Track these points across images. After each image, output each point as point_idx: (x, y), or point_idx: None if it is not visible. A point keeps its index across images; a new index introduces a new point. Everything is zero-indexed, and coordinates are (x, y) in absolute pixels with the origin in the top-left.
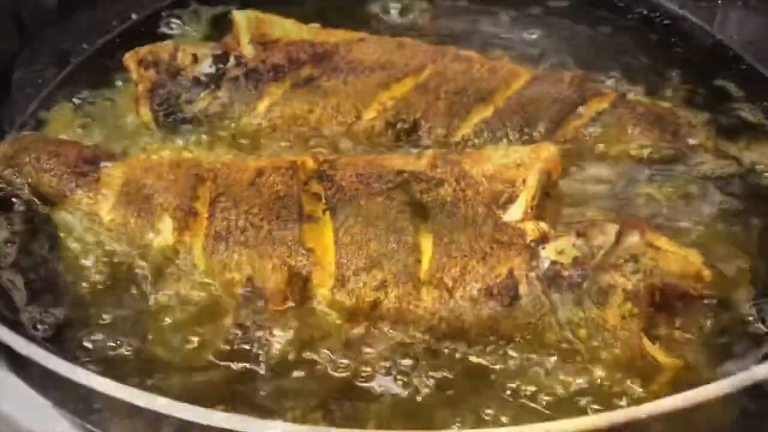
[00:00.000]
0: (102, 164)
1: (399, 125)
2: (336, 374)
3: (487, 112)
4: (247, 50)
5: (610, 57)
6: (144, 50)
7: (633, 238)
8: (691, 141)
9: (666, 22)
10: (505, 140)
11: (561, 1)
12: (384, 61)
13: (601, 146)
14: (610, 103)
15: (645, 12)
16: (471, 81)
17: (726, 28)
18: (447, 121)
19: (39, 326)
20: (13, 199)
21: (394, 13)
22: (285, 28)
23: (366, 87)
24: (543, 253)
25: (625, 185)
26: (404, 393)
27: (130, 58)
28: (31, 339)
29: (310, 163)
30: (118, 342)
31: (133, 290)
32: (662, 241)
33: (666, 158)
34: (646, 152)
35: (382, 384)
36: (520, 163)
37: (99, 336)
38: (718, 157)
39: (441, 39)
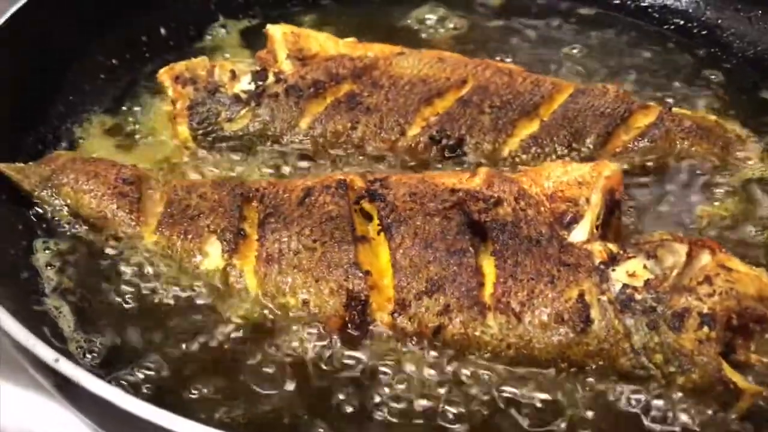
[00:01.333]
0: (142, 184)
1: (444, 141)
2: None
3: (533, 126)
4: (286, 66)
5: (650, 69)
6: (180, 66)
7: (704, 259)
8: (742, 154)
9: (704, 32)
10: (553, 155)
11: (590, 10)
12: (424, 75)
13: (650, 161)
14: (657, 116)
15: (682, 22)
16: (515, 95)
17: (766, 37)
18: (493, 137)
19: (88, 355)
20: (55, 220)
21: (428, 25)
22: (321, 42)
23: (408, 102)
24: (613, 275)
25: (680, 200)
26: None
27: (165, 75)
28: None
29: (359, 182)
30: (170, 370)
31: (186, 314)
32: (734, 262)
33: (718, 172)
34: (697, 167)
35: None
36: (582, 181)
37: (151, 364)
38: None
39: (476, 53)
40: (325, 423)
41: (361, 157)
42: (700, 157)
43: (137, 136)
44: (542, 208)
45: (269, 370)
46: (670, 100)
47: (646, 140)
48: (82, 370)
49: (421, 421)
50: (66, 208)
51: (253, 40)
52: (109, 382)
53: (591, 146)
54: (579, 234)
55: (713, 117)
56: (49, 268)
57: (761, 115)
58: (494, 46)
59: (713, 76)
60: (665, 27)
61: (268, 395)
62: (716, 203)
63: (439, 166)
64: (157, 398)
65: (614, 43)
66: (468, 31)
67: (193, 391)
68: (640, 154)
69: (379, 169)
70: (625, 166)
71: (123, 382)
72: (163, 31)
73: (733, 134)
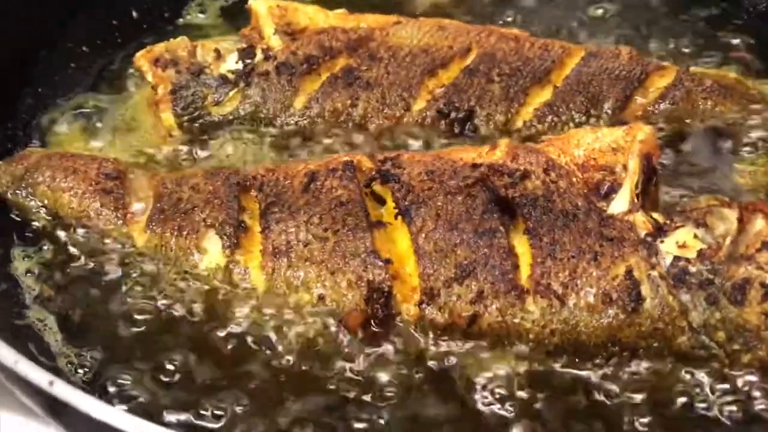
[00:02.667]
0: (127, 178)
1: (453, 114)
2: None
3: (546, 94)
4: (274, 42)
5: (655, 29)
6: (159, 48)
7: (758, 224)
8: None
9: None
10: (571, 124)
11: None
12: (425, 45)
13: (673, 124)
14: (674, 77)
15: None
16: (524, 61)
17: None
18: (505, 107)
19: (79, 370)
20: (33, 224)
21: None
22: (309, 15)
23: (410, 74)
24: (662, 247)
25: (712, 162)
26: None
27: (142, 58)
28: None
29: (367, 163)
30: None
31: (185, 319)
32: None
33: (745, 130)
34: (721, 125)
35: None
36: (616, 147)
37: (147, 376)
38: None
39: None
40: None
41: (364, 137)
42: (725, 117)
43: (116, 128)
44: (575, 179)
45: (280, 379)
46: (687, 60)
47: (666, 102)
48: (80, 393)
49: None
50: (43, 209)
51: (234, 18)
52: (107, 400)
53: (609, 111)
54: (619, 204)
55: (733, 74)
56: (28, 275)
57: None
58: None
59: (726, 34)
60: None
61: (282, 409)
62: (750, 162)
63: (449, 142)
64: (158, 414)
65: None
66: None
67: (203, 409)
68: (662, 117)
69: (387, 147)
70: None
71: (117, 398)
72: (135, 13)
73: (756, 91)
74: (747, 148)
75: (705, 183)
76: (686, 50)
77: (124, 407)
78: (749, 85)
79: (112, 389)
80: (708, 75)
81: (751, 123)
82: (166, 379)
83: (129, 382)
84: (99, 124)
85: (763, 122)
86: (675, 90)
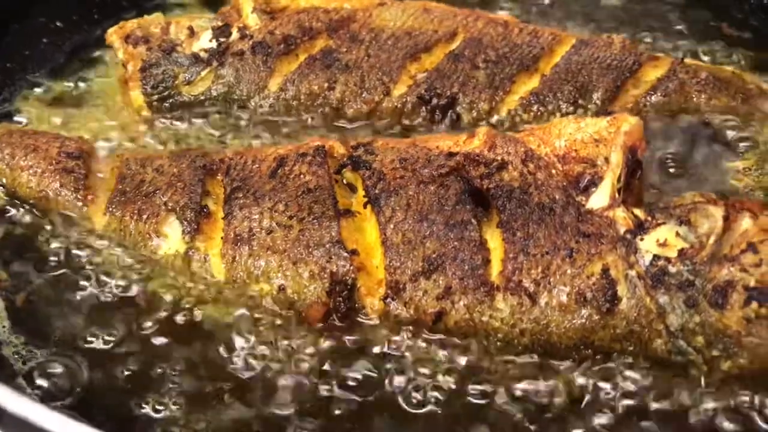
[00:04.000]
0: (90, 158)
1: (434, 101)
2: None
3: (533, 82)
4: (252, 20)
5: (652, 19)
6: (130, 25)
7: (745, 223)
8: (765, 106)
9: None
10: (557, 114)
11: None
12: (409, 28)
13: (663, 116)
14: (668, 68)
15: None
16: (511, 48)
17: None
18: (489, 95)
19: (26, 364)
20: None
21: None
22: None
23: (392, 58)
24: (642, 245)
25: (702, 157)
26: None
27: (114, 34)
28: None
29: (339, 148)
30: (123, 375)
31: (140, 307)
32: None
33: (740, 126)
34: (715, 120)
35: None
36: (599, 138)
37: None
38: None
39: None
40: None
41: (340, 122)
42: (719, 112)
43: (84, 106)
44: (554, 171)
45: (239, 373)
46: (680, 51)
47: (658, 94)
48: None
49: None
50: (1, 188)
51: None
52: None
53: (599, 102)
54: (598, 199)
55: (730, 68)
56: None
57: None
58: None
59: (726, 27)
60: None
61: (232, 405)
62: (741, 159)
63: (434, 130)
64: (108, 410)
65: None
66: None
67: (147, 401)
68: (653, 110)
69: (362, 134)
70: None
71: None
72: None
73: (754, 86)
74: (743, 145)
75: (694, 180)
76: (684, 42)
77: (58, 403)
78: (747, 79)
79: (48, 382)
80: (703, 67)
81: (745, 118)
82: (113, 372)
83: (66, 374)
84: (68, 102)
85: (755, 120)
86: (668, 81)
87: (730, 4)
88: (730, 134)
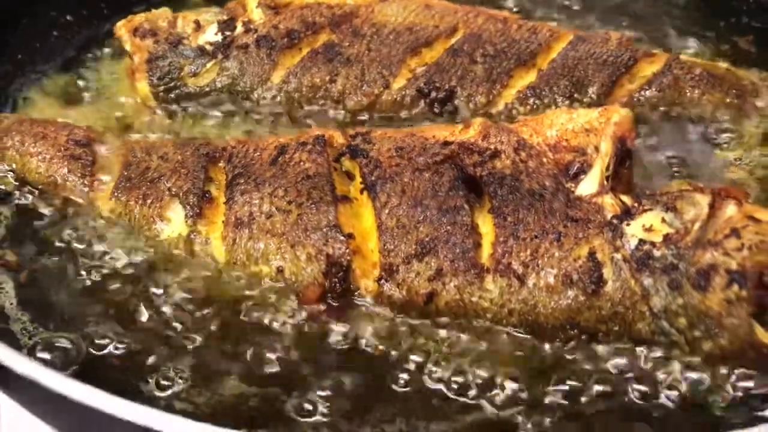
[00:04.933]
0: (97, 145)
1: (433, 94)
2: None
3: (531, 77)
4: (257, 15)
5: (649, 16)
6: (138, 18)
7: (729, 210)
8: (760, 102)
9: None
10: (553, 107)
11: None
12: (410, 23)
13: (659, 111)
14: (664, 64)
15: None
16: (509, 43)
17: None
18: (487, 88)
19: (31, 338)
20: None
21: None
22: None
23: (393, 52)
24: (628, 230)
25: (695, 151)
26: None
27: (122, 27)
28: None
29: (339, 138)
30: (125, 351)
31: (143, 288)
32: (763, 213)
33: (733, 122)
34: (709, 115)
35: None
36: (589, 128)
37: (102, 342)
38: None
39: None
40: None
41: (341, 114)
42: (713, 107)
43: (92, 97)
44: (545, 159)
45: (234, 349)
46: (677, 48)
47: (653, 89)
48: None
49: None
50: (11, 174)
51: None
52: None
53: (594, 96)
54: (587, 186)
55: (724, 64)
56: None
57: None
58: None
59: (721, 23)
60: None
61: (230, 380)
62: (732, 152)
63: (428, 123)
64: (111, 381)
65: None
66: None
67: (151, 375)
68: (648, 104)
69: (363, 124)
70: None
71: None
72: None
73: (748, 82)
74: (735, 141)
75: (686, 173)
76: (681, 38)
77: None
78: (740, 75)
79: (51, 355)
80: (698, 63)
81: (734, 115)
82: (117, 350)
83: (69, 350)
84: (76, 93)
85: (748, 116)
86: (663, 77)
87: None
88: (721, 127)
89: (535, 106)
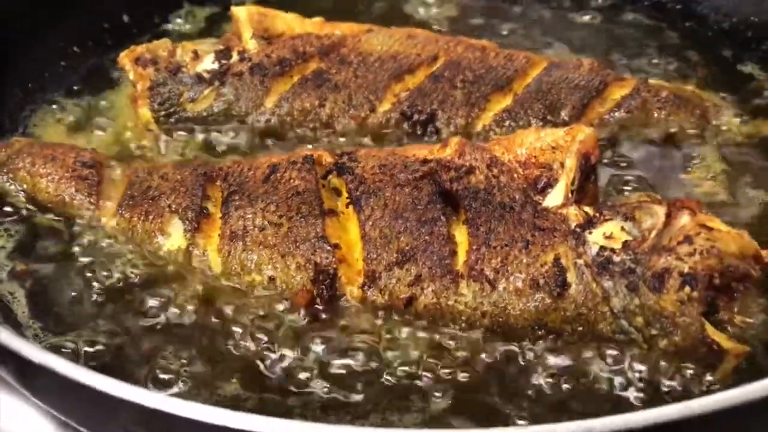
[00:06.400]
0: (102, 167)
1: (415, 117)
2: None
3: (507, 100)
4: (251, 45)
5: (625, 44)
6: (140, 48)
7: (684, 219)
8: (718, 122)
9: (679, 6)
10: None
11: None
12: (394, 52)
13: (627, 131)
14: (633, 88)
15: None
16: (487, 69)
17: (740, 9)
18: (466, 111)
19: (41, 343)
20: (11, 206)
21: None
22: (287, 22)
23: (378, 78)
24: (590, 238)
25: (658, 169)
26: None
27: (125, 57)
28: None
29: (327, 157)
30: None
31: (146, 296)
32: (715, 222)
33: (695, 140)
34: (673, 135)
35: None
36: (556, 146)
37: (106, 348)
38: (748, 136)
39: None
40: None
41: (329, 136)
42: (678, 127)
43: (98, 121)
44: (515, 175)
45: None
46: (646, 73)
47: (622, 111)
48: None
49: None
50: (22, 193)
51: (219, 27)
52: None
53: (567, 118)
54: (554, 198)
55: (690, 87)
56: (2, 251)
57: (738, 86)
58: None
59: (689, 49)
60: (638, 4)
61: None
62: (693, 170)
63: (411, 142)
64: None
65: (590, 18)
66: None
67: (161, 375)
68: (617, 125)
69: (349, 146)
70: (603, 136)
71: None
72: (126, 18)
73: (710, 103)
74: (690, 158)
75: (647, 186)
76: (652, 63)
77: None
78: (704, 97)
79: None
80: (665, 87)
81: (697, 135)
82: (119, 354)
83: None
84: (83, 118)
85: (710, 134)
86: (631, 99)
87: (697, 29)
88: (686, 145)
89: (510, 128)
